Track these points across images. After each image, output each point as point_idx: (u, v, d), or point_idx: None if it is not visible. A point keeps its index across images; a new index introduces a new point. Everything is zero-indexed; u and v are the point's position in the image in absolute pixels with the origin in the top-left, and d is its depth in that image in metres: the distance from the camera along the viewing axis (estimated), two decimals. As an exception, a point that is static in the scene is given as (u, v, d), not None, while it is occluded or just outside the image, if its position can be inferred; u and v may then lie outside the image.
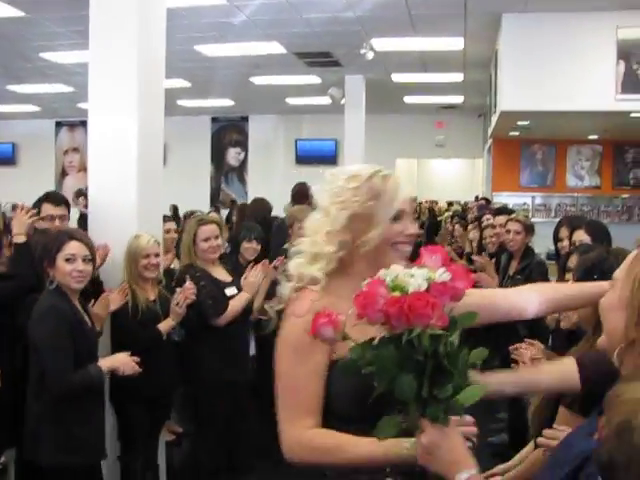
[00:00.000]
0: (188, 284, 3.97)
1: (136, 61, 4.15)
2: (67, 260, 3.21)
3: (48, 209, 4.04)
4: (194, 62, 9.94)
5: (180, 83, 11.41)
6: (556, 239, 4.53)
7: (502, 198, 11.66)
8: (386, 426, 1.39)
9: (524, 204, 12.13)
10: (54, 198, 4.20)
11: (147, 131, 4.26)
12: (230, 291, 4.31)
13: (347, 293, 1.66)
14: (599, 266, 2.34)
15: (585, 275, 2.36)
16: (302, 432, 1.74)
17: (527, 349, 2.84)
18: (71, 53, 9.05)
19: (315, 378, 1.75)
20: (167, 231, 5.09)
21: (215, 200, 15.50)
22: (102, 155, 4.22)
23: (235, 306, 4.23)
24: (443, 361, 1.34)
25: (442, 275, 1.37)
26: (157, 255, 3.98)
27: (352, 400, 1.67)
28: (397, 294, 1.34)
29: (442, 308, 1.35)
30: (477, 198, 13.02)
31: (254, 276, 4.35)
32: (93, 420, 3.28)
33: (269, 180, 14.38)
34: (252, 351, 4.81)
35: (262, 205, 6.74)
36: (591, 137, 11.60)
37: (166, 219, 5.17)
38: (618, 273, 1.63)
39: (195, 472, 4.30)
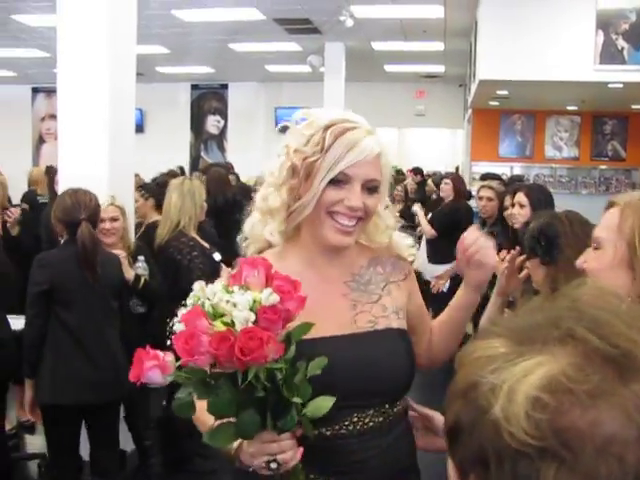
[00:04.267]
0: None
1: (106, 25, 4.08)
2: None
3: None
4: (172, 28, 9.79)
5: (158, 49, 11.23)
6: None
7: (480, 168, 11.65)
8: (219, 433, 1.28)
9: (502, 174, 12.14)
10: None
11: (118, 95, 4.20)
12: (217, 256, 4.31)
13: (298, 260, 1.63)
14: (545, 232, 2.37)
15: (532, 243, 2.39)
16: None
17: None
18: (44, 17, 8.86)
19: None
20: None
21: (195, 168, 15.40)
22: (72, 122, 4.17)
23: None
24: (282, 391, 1.23)
25: (269, 297, 1.19)
26: (113, 219, 3.83)
27: None
28: (220, 326, 1.17)
29: (277, 338, 1.19)
30: (457, 169, 13.02)
31: None
32: None
33: (249, 148, 14.28)
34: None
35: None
36: (570, 108, 11.61)
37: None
38: (600, 232, 1.64)
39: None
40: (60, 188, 4.18)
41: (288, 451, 1.31)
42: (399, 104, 14.61)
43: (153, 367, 1.21)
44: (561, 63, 7.42)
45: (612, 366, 0.58)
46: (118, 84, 4.19)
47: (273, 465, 1.30)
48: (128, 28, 4.33)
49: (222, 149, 15.65)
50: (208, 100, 15.70)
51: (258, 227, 1.65)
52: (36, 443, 4.53)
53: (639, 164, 11.74)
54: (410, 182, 10.15)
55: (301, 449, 1.33)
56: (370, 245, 1.70)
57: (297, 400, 1.25)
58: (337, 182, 1.52)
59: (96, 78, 4.10)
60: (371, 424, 1.53)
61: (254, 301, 1.19)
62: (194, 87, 15.59)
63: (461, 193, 6.61)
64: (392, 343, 1.59)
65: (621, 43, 7.30)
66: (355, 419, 1.52)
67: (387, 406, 1.56)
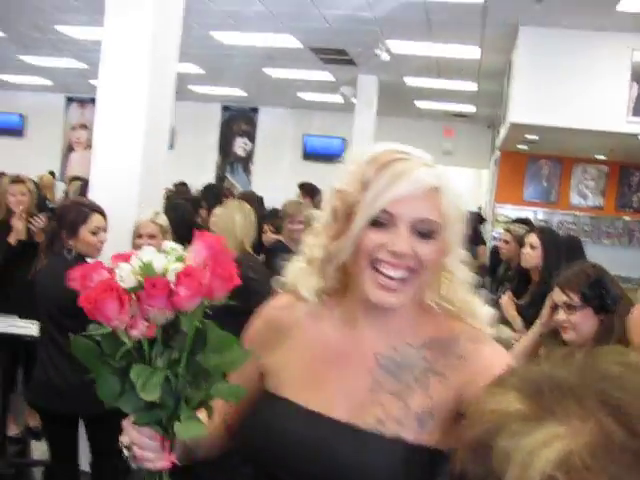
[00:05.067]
0: None
1: (150, 42, 4.17)
2: (93, 233, 3.36)
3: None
4: (209, 48, 9.93)
5: (193, 68, 11.39)
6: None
7: (505, 210, 11.65)
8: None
9: (526, 218, 12.12)
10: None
11: (155, 113, 4.27)
12: None
13: (336, 322, 1.36)
14: (601, 281, 2.35)
15: (590, 292, 2.35)
16: None
17: None
18: (87, 29, 9.02)
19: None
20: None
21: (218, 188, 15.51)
22: (108, 134, 4.25)
23: None
24: (138, 378, 1.07)
25: (172, 270, 1.05)
26: (152, 237, 3.80)
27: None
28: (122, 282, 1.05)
29: (145, 311, 1.04)
30: (480, 209, 13.02)
31: None
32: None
33: (274, 173, 14.36)
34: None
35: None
36: (598, 157, 11.59)
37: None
38: None
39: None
40: (90, 197, 4.24)
41: (145, 448, 1.16)
42: (427, 141, 14.58)
43: (110, 296, 1.03)
44: (593, 112, 7.42)
45: (630, 455, 0.56)
46: (156, 100, 4.27)
47: (127, 452, 1.19)
48: (171, 47, 4.42)
49: (248, 172, 15.74)
50: (238, 122, 15.82)
51: (299, 276, 1.38)
52: (43, 449, 4.54)
53: (664, 218, 11.69)
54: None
55: (166, 463, 1.18)
56: (444, 311, 1.34)
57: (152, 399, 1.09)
58: (380, 223, 1.23)
59: (135, 92, 4.18)
60: None
61: (149, 265, 1.05)
62: (225, 108, 15.73)
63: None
64: (388, 463, 1.20)
65: (655, 96, 7.32)
66: None
67: None
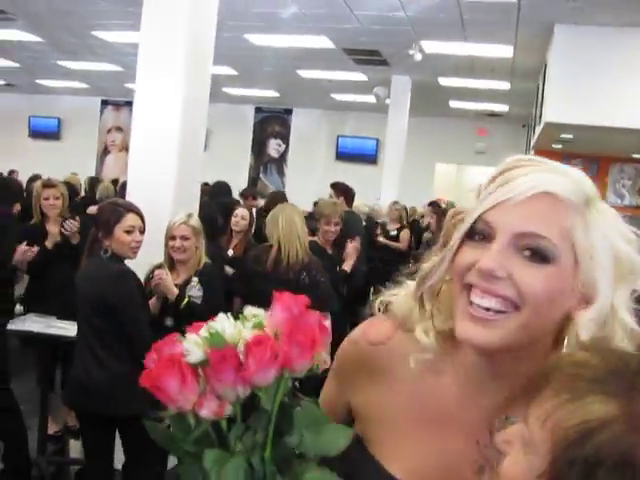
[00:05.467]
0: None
1: (185, 45, 4.21)
2: (127, 232, 3.36)
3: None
4: (242, 50, 10.01)
5: (227, 70, 11.49)
6: None
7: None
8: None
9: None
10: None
11: (190, 115, 4.31)
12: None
13: (454, 376, 1.04)
14: None
15: None
16: None
17: None
18: (122, 33, 9.16)
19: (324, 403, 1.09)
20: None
21: (250, 188, 15.59)
22: (144, 136, 4.29)
23: None
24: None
25: (244, 338, 0.85)
26: (184, 238, 3.80)
27: None
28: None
29: (214, 389, 0.85)
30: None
31: None
32: None
33: (308, 174, 14.42)
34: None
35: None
36: (635, 156, 11.44)
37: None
38: None
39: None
40: (128, 198, 4.30)
41: None
42: (460, 140, 14.60)
43: (171, 372, 0.85)
44: (629, 110, 7.34)
45: None
46: (191, 102, 4.31)
47: None
48: (206, 49, 4.46)
49: (281, 173, 15.82)
50: (271, 124, 15.92)
51: (404, 306, 1.08)
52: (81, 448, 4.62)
53: (702, 217, 11.47)
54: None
55: None
56: None
57: None
58: (476, 235, 0.95)
59: (171, 95, 4.22)
60: None
61: (216, 334, 0.86)
62: (258, 110, 15.83)
63: None
64: None
65: (692, 94, 7.22)
66: None
67: None
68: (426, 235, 9.14)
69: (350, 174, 11.25)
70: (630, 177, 12.01)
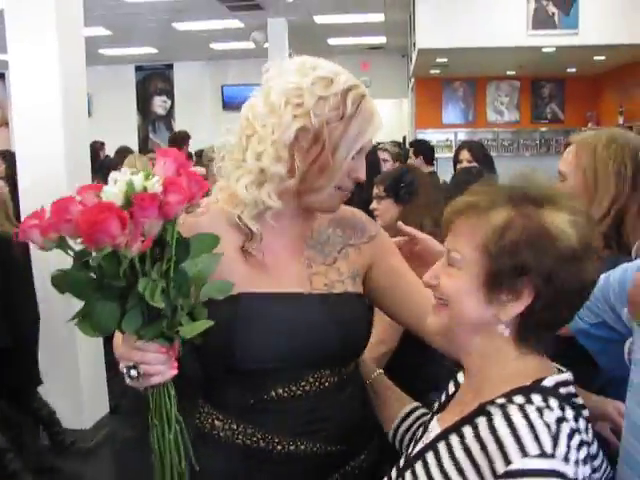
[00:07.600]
0: None
1: (54, 10, 4.16)
2: None
3: None
4: (114, 9, 9.78)
5: (101, 31, 11.20)
6: (455, 162, 4.94)
7: (426, 135, 11.94)
8: (84, 320, 1.17)
9: (447, 140, 12.46)
10: None
11: (69, 81, 4.29)
12: None
13: (276, 237, 1.52)
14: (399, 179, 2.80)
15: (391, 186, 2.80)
16: None
17: None
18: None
19: None
20: None
21: (144, 149, 15.37)
22: (25, 109, 4.24)
23: None
24: (142, 292, 1.12)
25: (154, 186, 1.11)
26: None
27: None
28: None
29: (141, 225, 1.09)
30: (404, 138, 13.27)
31: None
32: None
33: (197, 127, 14.29)
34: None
35: None
36: (509, 73, 11.93)
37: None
38: (562, 166, 1.96)
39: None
40: (19, 172, 4.29)
41: (154, 363, 1.19)
42: (344, 76, 14.73)
43: (33, 226, 1.12)
44: (496, 30, 7.69)
45: None
46: (68, 68, 4.28)
47: (132, 372, 1.20)
48: (75, 11, 4.40)
49: (170, 129, 15.62)
50: (154, 81, 15.64)
51: (252, 189, 1.43)
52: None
53: (576, 125, 12.14)
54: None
55: (174, 370, 1.22)
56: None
57: (166, 311, 1.17)
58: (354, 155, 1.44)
59: (46, 63, 4.18)
60: (326, 384, 1.47)
61: (130, 184, 1.10)
62: (138, 68, 15.50)
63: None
64: (350, 307, 1.50)
65: (551, 9, 7.61)
66: (311, 379, 1.45)
67: (341, 368, 1.50)
68: None
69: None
70: (507, 94, 12.53)
